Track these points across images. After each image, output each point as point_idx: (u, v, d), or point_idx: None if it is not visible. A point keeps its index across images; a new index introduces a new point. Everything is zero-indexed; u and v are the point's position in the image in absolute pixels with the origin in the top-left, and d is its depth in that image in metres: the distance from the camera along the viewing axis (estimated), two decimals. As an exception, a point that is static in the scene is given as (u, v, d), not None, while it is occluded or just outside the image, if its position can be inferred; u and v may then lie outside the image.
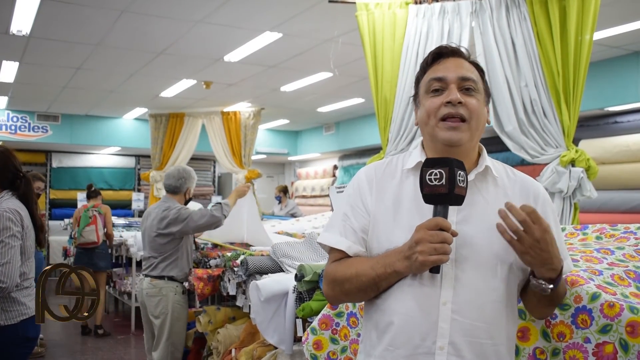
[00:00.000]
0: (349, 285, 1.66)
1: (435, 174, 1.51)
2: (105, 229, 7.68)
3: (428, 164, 1.54)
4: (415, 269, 1.54)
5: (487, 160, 1.72)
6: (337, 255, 1.74)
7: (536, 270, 1.56)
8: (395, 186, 1.72)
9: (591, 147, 7.21)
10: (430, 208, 1.56)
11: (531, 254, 1.50)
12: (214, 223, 4.56)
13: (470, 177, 1.65)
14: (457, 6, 4.43)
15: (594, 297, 1.79)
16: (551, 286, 1.55)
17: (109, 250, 7.90)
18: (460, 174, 1.51)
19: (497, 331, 1.59)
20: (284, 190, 11.16)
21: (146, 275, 4.65)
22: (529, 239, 1.48)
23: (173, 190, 4.75)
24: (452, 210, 1.58)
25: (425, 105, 1.70)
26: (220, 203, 4.62)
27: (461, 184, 1.52)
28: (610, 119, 7.83)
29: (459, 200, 1.53)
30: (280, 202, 11.07)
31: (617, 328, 1.71)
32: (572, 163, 3.95)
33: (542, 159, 4.09)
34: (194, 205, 5.07)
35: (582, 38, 3.84)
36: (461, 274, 1.58)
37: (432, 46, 4.49)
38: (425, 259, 1.49)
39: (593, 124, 7.94)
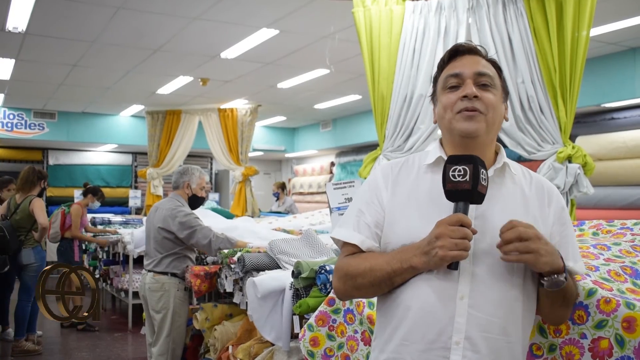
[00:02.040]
0: (361, 280, 1.65)
1: (459, 170, 1.52)
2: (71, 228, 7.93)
3: (452, 161, 1.55)
4: (434, 264, 1.54)
5: (505, 158, 1.74)
6: (350, 249, 1.73)
7: (543, 268, 1.55)
8: (412, 182, 1.73)
9: (588, 143, 7.21)
10: (448, 204, 1.56)
11: (542, 253, 1.52)
12: (207, 251, 4.59)
13: (490, 173, 1.66)
14: (454, 2, 4.42)
15: (590, 293, 1.79)
16: (564, 274, 1.56)
17: (74, 248, 8.02)
18: (482, 172, 1.53)
19: (512, 328, 1.59)
20: (282, 187, 11.18)
21: (149, 270, 4.64)
22: (533, 243, 1.51)
23: (173, 185, 4.86)
24: (471, 206, 1.58)
25: (442, 101, 1.71)
26: (226, 237, 4.56)
27: (483, 182, 1.53)
28: (606, 116, 7.84)
29: (480, 198, 1.55)
30: (278, 198, 11.07)
31: (612, 323, 1.71)
32: (569, 159, 3.95)
33: (538, 155, 4.09)
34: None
35: (579, 34, 3.84)
36: (478, 269, 1.58)
37: (428, 43, 4.49)
38: (446, 254, 1.49)
39: (590, 121, 7.94)
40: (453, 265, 1.53)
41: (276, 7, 5.88)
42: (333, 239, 1.81)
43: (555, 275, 1.55)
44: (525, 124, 4.09)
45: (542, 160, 4.09)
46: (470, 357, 1.54)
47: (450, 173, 1.54)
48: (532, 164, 4.36)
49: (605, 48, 7.11)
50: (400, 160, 1.82)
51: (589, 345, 1.75)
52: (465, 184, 1.52)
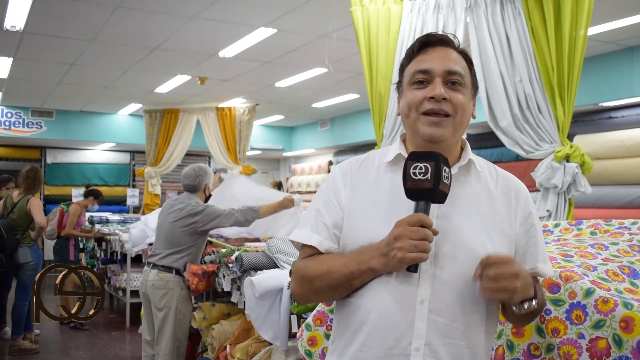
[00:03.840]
0: (319, 283, 1.57)
1: (420, 168, 1.44)
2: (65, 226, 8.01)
3: (413, 157, 1.46)
4: (392, 266, 1.45)
5: (471, 154, 1.65)
6: (308, 251, 1.64)
7: (516, 301, 1.49)
8: (371, 181, 1.64)
9: (585, 142, 7.22)
10: (409, 204, 1.48)
11: (519, 291, 1.44)
12: (238, 224, 4.60)
13: (454, 170, 1.58)
14: (452, 1, 4.42)
15: (588, 292, 1.79)
16: (535, 301, 1.50)
17: (69, 246, 8.06)
18: (445, 169, 1.44)
19: (474, 333, 1.52)
20: (279, 186, 11.20)
21: (153, 267, 4.60)
22: (511, 283, 1.43)
23: (192, 189, 4.72)
24: (432, 205, 1.50)
25: (407, 97, 1.61)
26: (249, 207, 4.59)
27: (445, 181, 1.44)
28: (604, 115, 7.85)
29: (442, 197, 1.46)
30: None
31: (610, 323, 1.71)
32: (567, 158, 3.95)
33: (536, 155, 4.09)
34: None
35: (577, 33, 3.84)
36: (440, 271, 1.50)
37: (426, 42, 4.49)
38: (404, 255, 1.41)
39: (587, 120, 7.95)
40: (412, 268, 1.44)
41: (274, 6, 5.87)
42: (291, 241, 1.72)
43: (527, 304, 1.49)
44: (523, 123, 4.09)
45: (540, 160, 4.09)
46: None
47: (411, 170, 1.45)
48: (530, 163, 4.38)
49: (602, 47, 7.11)
50: (360, 158, 1.74)
51: (587, 345, 1.75)
52: (426, 183, 1.43)
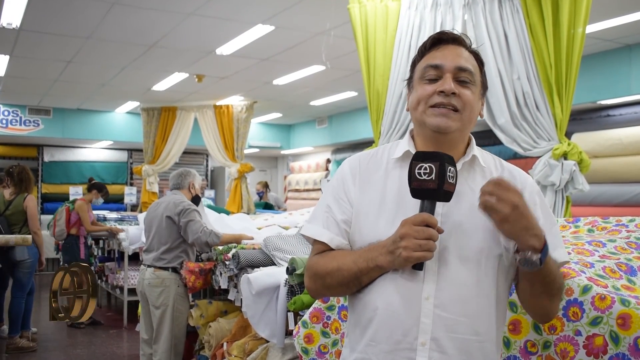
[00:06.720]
0: (330, 280, 1.63)
1: (425, 169, 1.46)
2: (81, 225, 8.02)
3: (417, 158, 1.49)
4: (399, 264, 1.50)
5: (475, 149, 1.67)
6: (320, 247, 1.70)
7: (519, 241, 1.45)
8: (380, 178, 1.67)
9: (583, 140, 7.22)
10: (416, 201, 1.51)
11: (510, 221, 1.42)
12: (199, 244, 4.62)
13: (458, 166, 1.59)
14: (450, -1, 4.42)
15: (585, 289, 1.78)
16: (539, 255, 1.44)
17: (80, 245, 8.08)
18: (450, 169, 1.47)
19: (482, 326, 1.54)
20: (266, 186, 11.29)
21: (149, 265, 4.64)
22: (504, 207, 1.41)
23: (176, 186, 4.93)
24: (438, 202, 1.52)
25: (417, 92, 1.64)
26: (213, 232, 4.62)
27: (450, 180, 1.47)
28: (602, 113, 7.84)
29: (447, 196, 1.49)
30: (261, 198, 11.15)
31: (607, 320, 1.70)
32: (565, 156, 3.94)
33: (534, 152, 4.09)
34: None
35: (575, 31, 3.83)
36: (445, 267, 1.53)
37: (424, 39, 4.47)
38: (409, 254, 1.45)
39: (585, 117, 7.95)
40: (418, 266, 1.49)
41: (272, 3, 5.86)
42: (303, 235, 1.76)
43: (529, 252, 1.44)
44: (521, 120, 4.08)
45: (538, 157, 4.09)
46: (437, 358, 1.50)
47: (416, 171, 1.48)
48: (528, 160, 4.36)
49: (600, 45, 7.11)
50: (369, 153, 1.76)
51: (584, 342, 1.75)
52: (430, 183, 1.46)
